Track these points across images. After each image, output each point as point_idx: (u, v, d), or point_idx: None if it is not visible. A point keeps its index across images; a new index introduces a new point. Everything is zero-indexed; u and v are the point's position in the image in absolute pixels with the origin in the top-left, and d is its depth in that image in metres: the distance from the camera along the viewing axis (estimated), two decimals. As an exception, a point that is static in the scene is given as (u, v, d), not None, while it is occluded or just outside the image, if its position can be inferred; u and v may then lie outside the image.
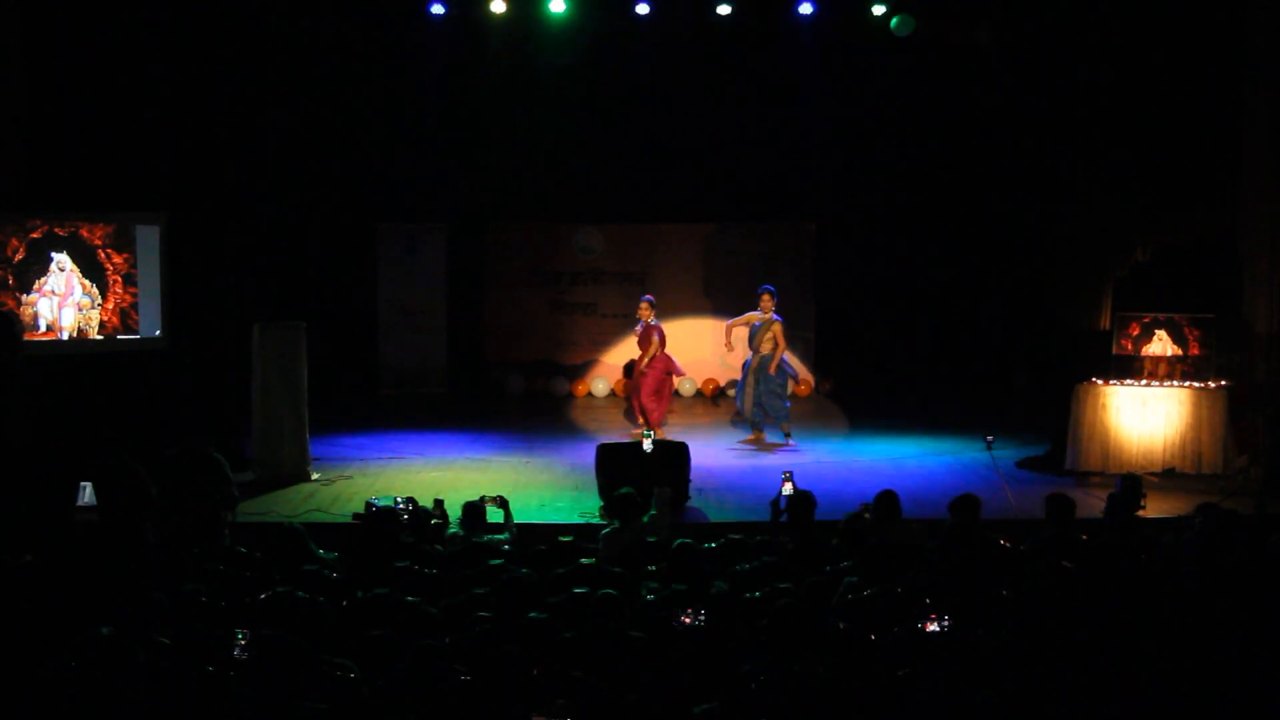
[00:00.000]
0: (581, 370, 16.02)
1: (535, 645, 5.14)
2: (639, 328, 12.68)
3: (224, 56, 12.01)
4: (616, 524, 7.74)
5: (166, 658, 4.82)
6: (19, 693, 4.63)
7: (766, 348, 12.41)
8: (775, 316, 12.42)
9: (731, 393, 15.50)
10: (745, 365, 12.59)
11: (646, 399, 12.59)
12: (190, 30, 11.93)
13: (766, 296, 12.47)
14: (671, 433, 12.27)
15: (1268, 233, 11.19)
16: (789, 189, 15.96)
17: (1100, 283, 12.67)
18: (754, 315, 12.55)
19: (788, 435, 12.47)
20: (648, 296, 12.92)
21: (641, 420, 12.70)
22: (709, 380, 15.66)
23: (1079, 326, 12.91)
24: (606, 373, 15.82)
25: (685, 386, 15.74)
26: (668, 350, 12.75)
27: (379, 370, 15.81)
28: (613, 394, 15.72)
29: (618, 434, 12.61)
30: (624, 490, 7.88)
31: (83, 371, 11.17)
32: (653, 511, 8.19)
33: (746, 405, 12.52)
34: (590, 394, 15.71)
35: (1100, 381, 11.03)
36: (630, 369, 13.55)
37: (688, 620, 5.29)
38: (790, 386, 12.76)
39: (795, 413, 12.84)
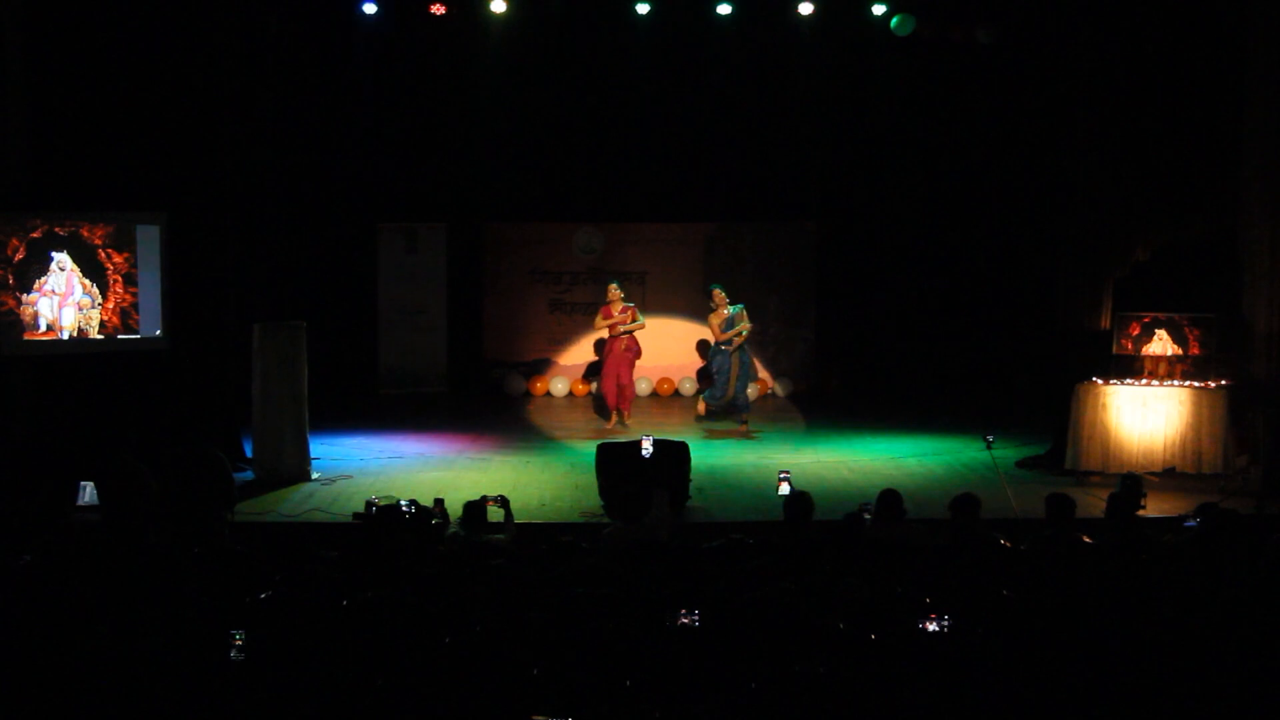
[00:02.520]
0: (582, 370, 16.02)
1: (535, 645, 5.14)
2: (618, 310, 12.88)
3: (224, 56, 12.01)
4: (618, 524, 7.74)
5: (166, 658, 4.81)
6: (19, 693, 4.62)
7: (740, 339, 12.77)
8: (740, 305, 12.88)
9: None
10: (723, 360, 12.79)
11: (628, 380, 12.87)
12: (190, 30, 11.92)
13: (717, 291, 12.85)
14: (671, 433, 12.27)
15: (1268, 233, 11.19)
16: (789, 189, 15.96)
17: (1100, 283, 12.66)
18: (716, 316, 12.83)
19: (745, 422, 12.94)
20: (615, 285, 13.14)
21: (616, 405, 12.87)
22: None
23: (1079, 326, 12.91)
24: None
25: (686, 386, 15.75)
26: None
27: (379, 370, 15.81)
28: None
29: (618, 433, 12.61)
30: (627, 490, 7.88)
31: (83, 371, 11.16)
32: (652, 513, 8.18)
33: (729, 392, 12.88)
34: (591, 394, 15.71)
35: (1100, 381, 11.03)
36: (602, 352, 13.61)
37: (687, 620, 5.29)
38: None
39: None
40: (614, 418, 13.06)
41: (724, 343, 12.82)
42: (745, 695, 4.66)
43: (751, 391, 13.71)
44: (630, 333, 12.98)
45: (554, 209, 16.01)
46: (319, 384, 11.41)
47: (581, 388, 15.82)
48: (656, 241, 16.17)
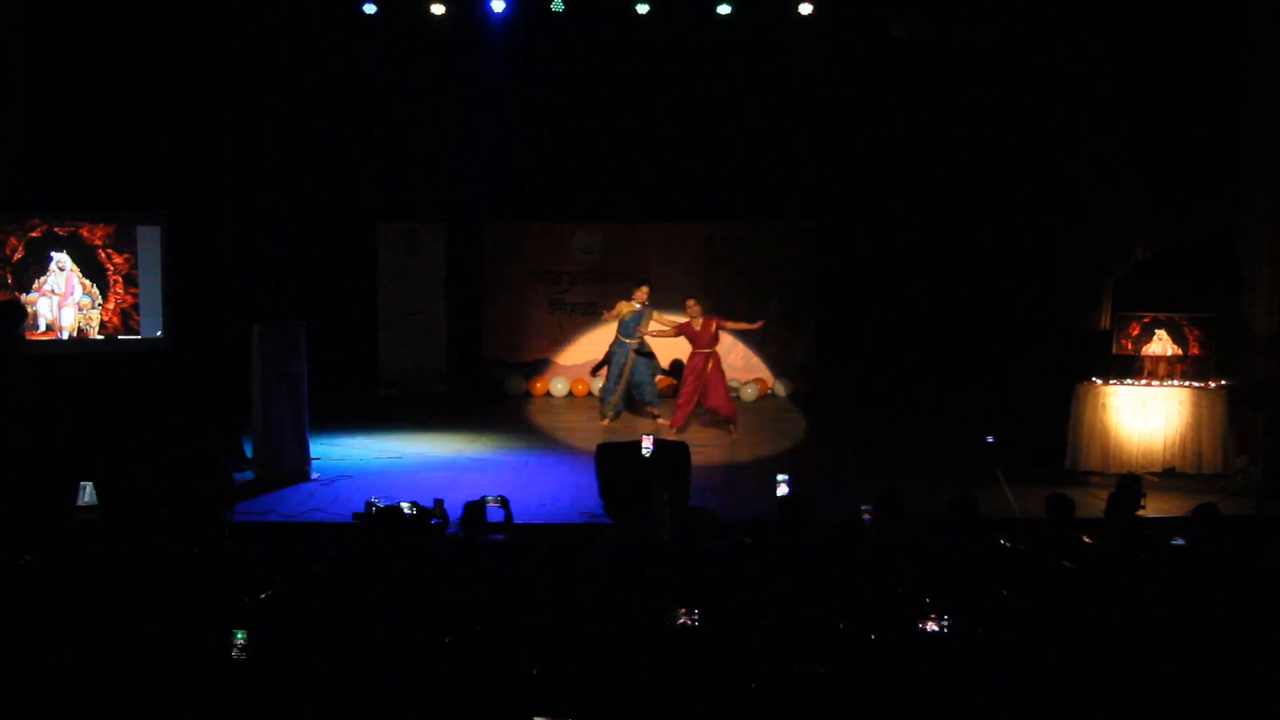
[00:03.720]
0: (581, 370, 16.02)
1: (535, 645, 5.14)
2: (700, 323, 12.65)
3: (224, 57, 12.03)
4: (618, 524, 7.73)
5: (166, 658, 4.81)
6: (19, 693, 4.62)
7: (644, 335, 13.02)
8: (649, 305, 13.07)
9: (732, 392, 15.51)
10: (619, 355, 13.05)
11: (725, 395, 12.74)
12: (190, 30, 11.95)
13: (646, 288, 13.02)
14: (670, 432, 12.28)
15: (1268, 232, 11.20)
16: (789, 189, 15.96)
17: (1100, 283, 12.68)
18: (626, 305, 13.04)
19: (657, 415, 13.09)
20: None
21: (729, 415, 12.65)
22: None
23: (1079, 326, 12.91)
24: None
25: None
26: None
27: (379, 370, 15.81)
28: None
29: (618, 433, 12.61)
30: (628, 490, 7.88)
31: (83, 371, 11.17)
32: (652, 513, 8.17)
33: (616, 395, 13.16)
34: (590, 394, 15.71)
35: (1100, 381, 11.03)
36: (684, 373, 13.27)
37: (687, 620, 5.29)
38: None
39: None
40: (731, 429, 12.64)
41: (626, 335, 13.02)
42: (745, 695, 4.66)
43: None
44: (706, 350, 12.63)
45: (554, 209, 16.02)
46: (319, 384, 11.40)
47: (581, 387, 15.82)
48: (656, 241, 16.17)
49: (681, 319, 13.16)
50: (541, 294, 16.19)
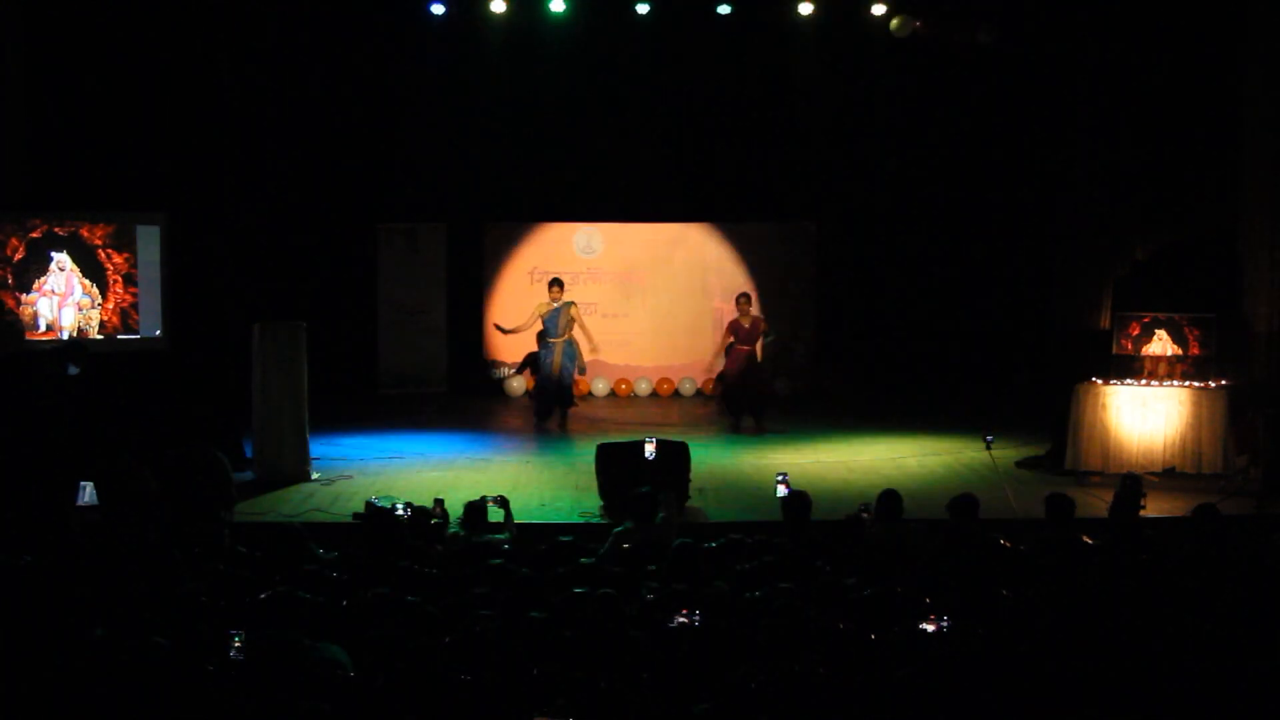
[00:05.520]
0: (581, 370, 16.00)
1: (535, 645, 5.14)
2: (749, 320, 12.99)
3: (224, 57, 12.03)
4: (629, 524, 7.71)
5: (166, 658, 4.81)
6: (18, 693, 4.62)
7: (569, 331, 13.21)
8: (570, 301, 13.29)
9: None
10: (546, 354, 13.15)
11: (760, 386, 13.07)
12: (190, 30, 11.95)
13: (556, 288, 13.27)
14: (671, 432, 12.27)
15: (1268, 233, 11.20)
16: (789, 189, 15.97)
17: (1100, 283, 12.68)
18: (545, 305, 13.21)
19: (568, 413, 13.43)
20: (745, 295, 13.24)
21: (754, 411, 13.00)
22: (710, 379, 15.68)
23: (1079, 326, 12.91)
24: (606, 372, 15.82)
25: (686, 386, 15.76)
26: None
27: (379, 370, 15.81)
28: (612, 394, 15.73)
29: (618, 434, 12.60)
30: (642, 490, 7.87)
31: (83, 371, 11.17)
32: (662, 514, 8.16)
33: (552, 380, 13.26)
34: (590, 394, 15.71)
35: (1100, 381, 11.03)
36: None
37: (687, 620, 5.29)
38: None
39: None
40: (749, 421, 13.12)
41: (551, 335, 13.15)
42: (745, 695, 4.66)
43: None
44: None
45: (554, 209, 16.01)
46: (319, 384, 11.40)
47: (582, 387, 15.80)
48: (656, 241, 16.17)
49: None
50: (541, 294, 16.15)
